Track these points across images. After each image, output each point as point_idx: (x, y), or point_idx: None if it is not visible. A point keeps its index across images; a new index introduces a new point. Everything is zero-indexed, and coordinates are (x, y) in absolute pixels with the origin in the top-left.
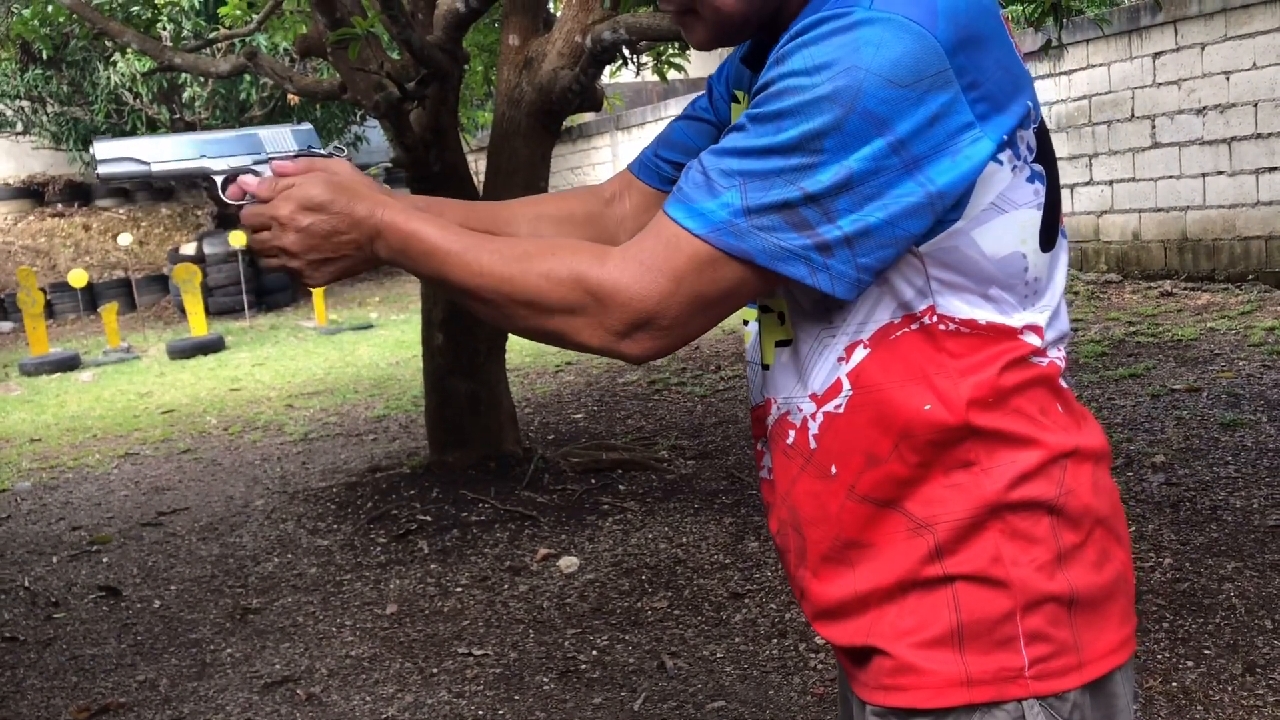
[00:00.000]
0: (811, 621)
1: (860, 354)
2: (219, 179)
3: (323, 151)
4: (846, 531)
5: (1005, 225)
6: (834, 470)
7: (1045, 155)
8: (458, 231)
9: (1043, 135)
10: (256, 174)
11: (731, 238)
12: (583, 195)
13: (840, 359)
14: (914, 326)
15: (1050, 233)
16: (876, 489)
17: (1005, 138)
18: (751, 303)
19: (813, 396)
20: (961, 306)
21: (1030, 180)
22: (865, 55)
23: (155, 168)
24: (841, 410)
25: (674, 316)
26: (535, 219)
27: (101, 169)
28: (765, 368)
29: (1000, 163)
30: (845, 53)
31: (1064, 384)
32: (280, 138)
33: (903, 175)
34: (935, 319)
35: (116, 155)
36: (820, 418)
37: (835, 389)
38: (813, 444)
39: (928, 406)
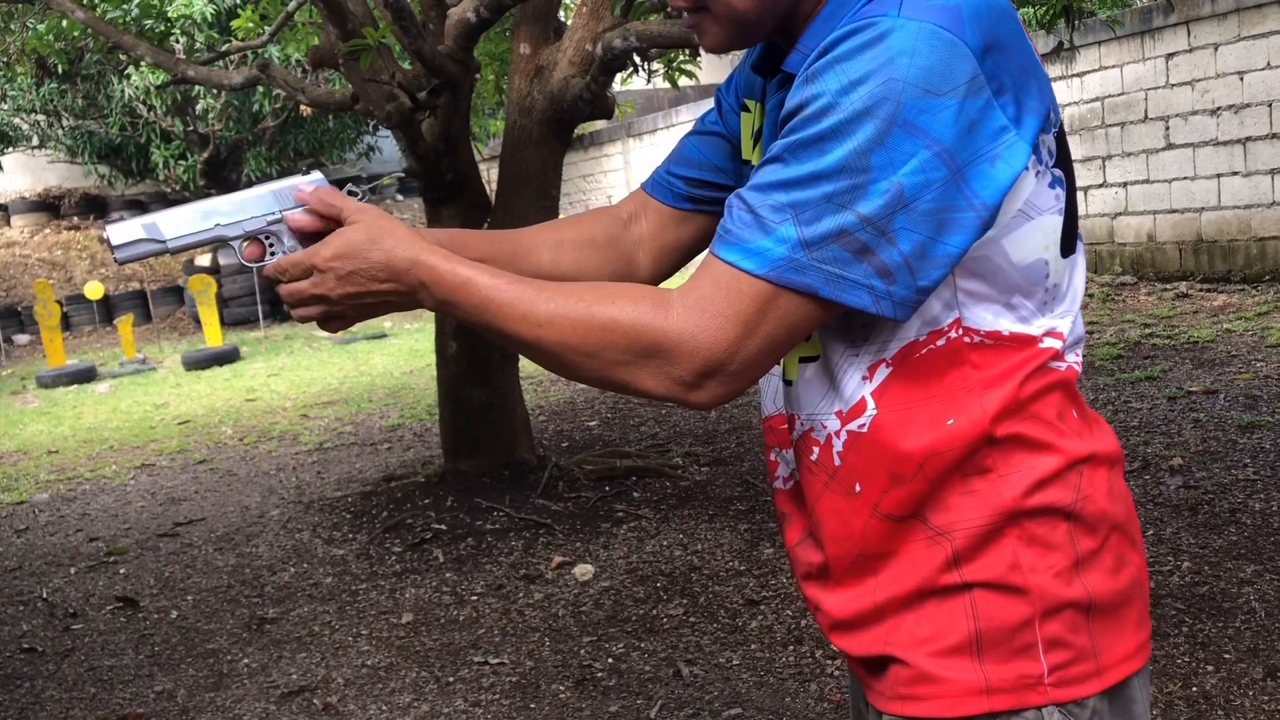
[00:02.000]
0: (827, 633)
1: (883, 373)
2: (235, 244)
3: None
4: (870, 547)
5: (1031, 232)
6: (858, 488)
7: (1064, 160)
8: (507, 279)
9: (1061, 139)
10: (272, 234)
11: (793, 273)
12: (600, 217)
13: (864, 378)
14: (940, 342)
15: (1070, 238)
16: (900, 507)
17: (1035, 141)
18: None
19: (838, 414)
20: (987, 317)
21: (1052, 185)
22: (900, 66)
23: (171, 244)
24: (865, 429)
25: (743, 360)
26: (557, 246)
27: (118, 254)
28: (788, 383)
29: (1027, 168)
30: (879, 65)
31: (1077, 389)
32: (289, 193)
33: (951, 187)
34: (961, 332)
35: (132, 239)
36: (844, 435)
37: (860, 408)
38: (837, 461)
39: (950, 421)
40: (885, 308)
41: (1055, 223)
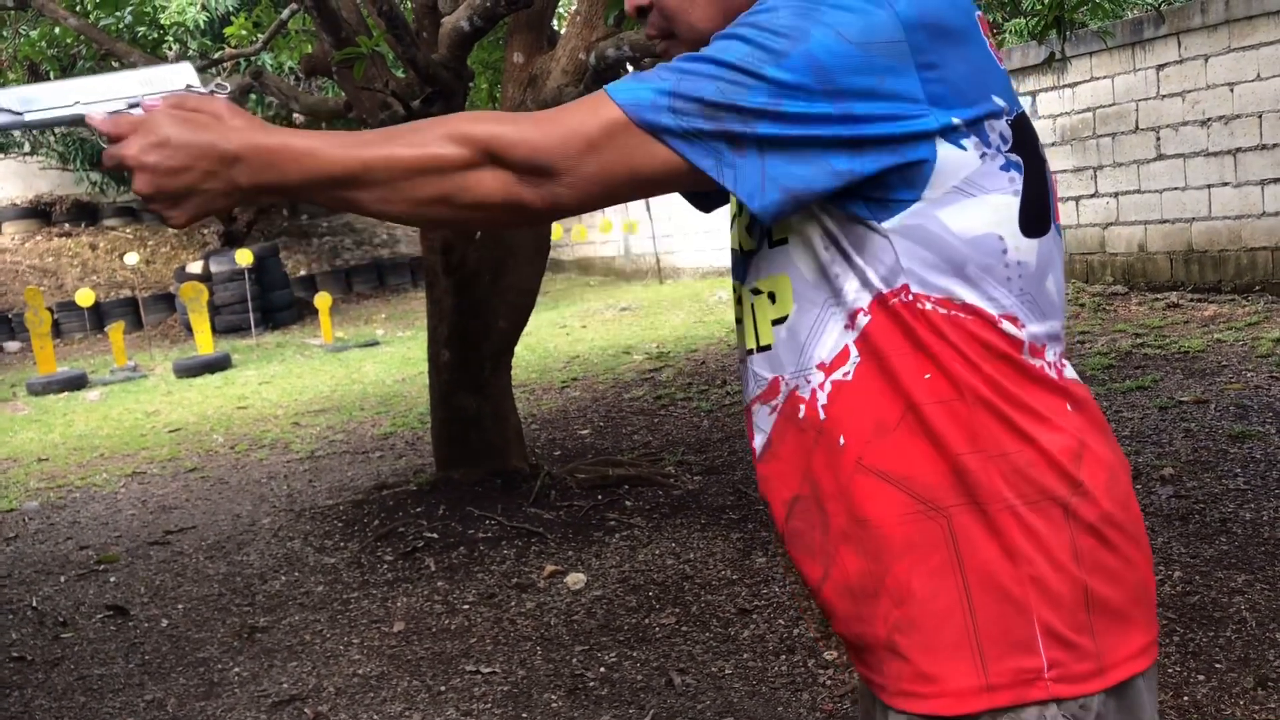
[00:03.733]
0: (820, 601)
1: (863, 320)
2: (94, 123)
3: (202, 90)
4: (856, 507)
5: (976, 208)
6: (842, 441)
7: (1023, 145)
8: (329, 134)
9: (1020, 127)
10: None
11: (649, 113)
12: None
13: (846, 326)
14: (895, 301)
15: (1037, 220)
16: (883, 460)
17: (957, 123)
18: (737, 296)
19: (821, 366)
20: (939, 283)
21: (1005, 169)
22: (823, 11)
23: (29, 117)
24: (850, 377)
25: (575, 171)
26: None
27: None
28: (766, 349)
29: (964, 148)
30: (806, 5)
31: (1073, 384)
32: (159, 78)
33: (824, 126)
34: (912, 296)
35: None
36: (829, 387)
37: (843, 356)
38: (822, 415)
39: (927, 375)
40: (728, 177)
41: (1008, 202)
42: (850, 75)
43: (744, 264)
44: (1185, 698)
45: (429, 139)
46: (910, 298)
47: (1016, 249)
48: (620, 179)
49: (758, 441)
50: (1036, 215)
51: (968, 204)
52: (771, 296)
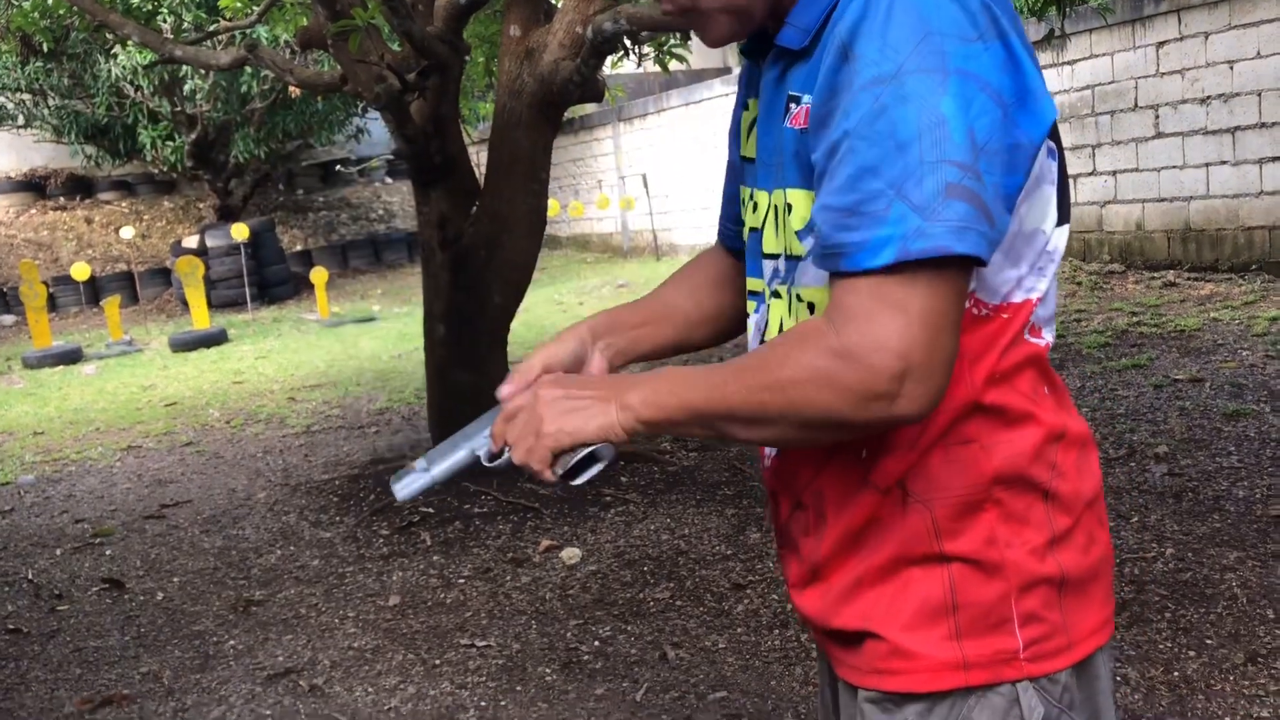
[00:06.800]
0: (797, 601)
1: None
2: (481, 456)
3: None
4: (857, 519)
5: (1038, 198)
6: (864, 453)
7: (1054, 132)
8: (685, 377)
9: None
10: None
11: (921, 242)
12: (713, 256)
13: None
14: None
15: (1064, 207)
16: (886, 477)
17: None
18: (755, 294)
19: None
20: (1001, 289)
21: (1051, 156)
22: (931, 20)
23: (440, 478)
24: None
25: (922, 351)
26: (692, 292)
27: (403, 497)
28: None
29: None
30: (912, 23)
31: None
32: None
33: (1007, 126)
34: (972, 303)
35: (415, 491)
36: None
37: None
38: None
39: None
40: (985, 251)
41: (1052, 192)
42: (992, 73)
43: (789, 268)
44: (1175, 673)
45: (784, 380)
46: (970, 304)
47: (1051, 238)
48: (947, 321)
49: (767, 449)
50: (1064, 202)
51: (1036, 194)
52: (811, 306)
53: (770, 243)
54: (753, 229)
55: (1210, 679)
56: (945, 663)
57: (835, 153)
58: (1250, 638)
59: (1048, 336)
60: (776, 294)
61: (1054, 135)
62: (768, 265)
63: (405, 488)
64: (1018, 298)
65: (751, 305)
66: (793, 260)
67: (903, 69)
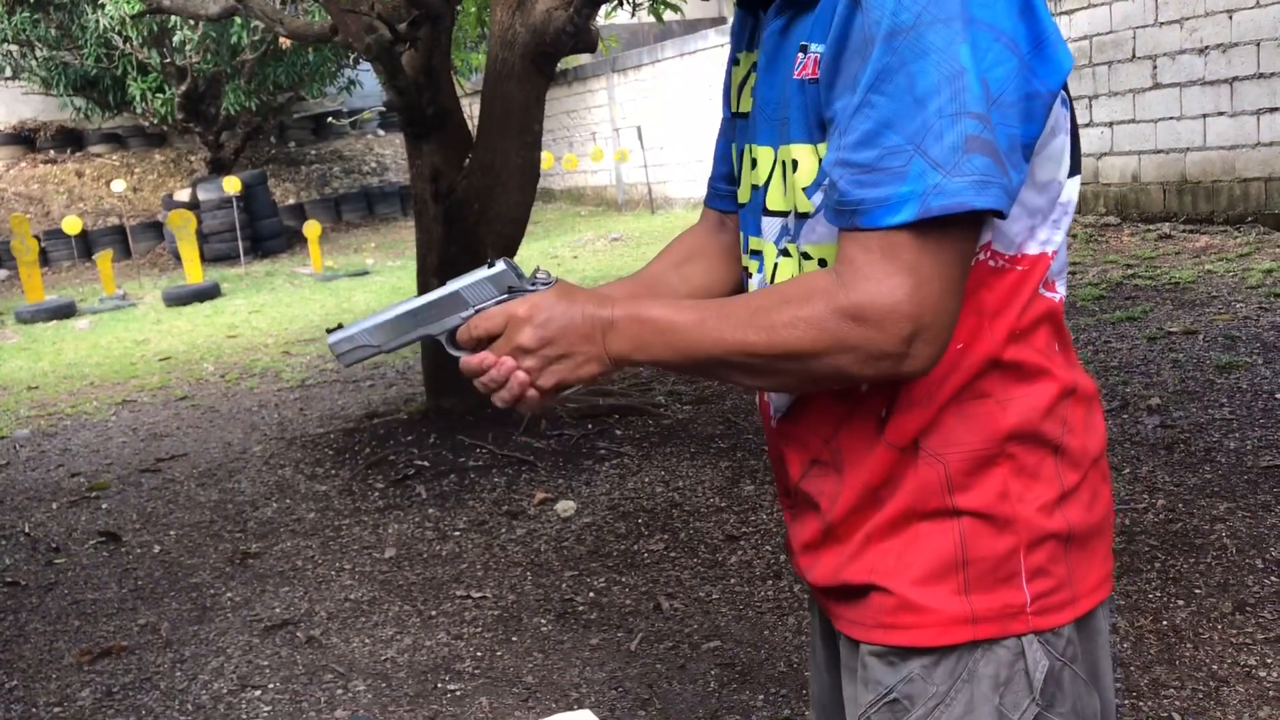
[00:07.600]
0: (805, 565)
1: None
2: (443, 340)
3: (530, 287)
4: (876, 475)
5: (1053, 150)
6: (884, 414)
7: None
8: (677, 305)
9: None
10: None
11: (941, 198)
12: (697, 232)
13: None
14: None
15: (1075, 158)
16: (903, 435)
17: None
18: (756, 253)
19: None
20: (1016, 241)
21: (1064, 105)
22: None
23: (385, 347)
24: None
25: (935, 307)
26: (678, 266)
27: (343, 360)
28: None
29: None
30: None
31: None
32: (481, 288)
33: (1024, 74)
34: (988, 254)
35: (351, 347)
36: None
37: None
38: (864, 386)
39: (959, 346)
40: (1005, 204)
41: (1066, 142)
42: (1008, 20)
43: (797, 226)
44: (1164, 622)
45: (785, 320)
46: (987, 255)
47: (1066, 189)
48: (962, 278)
49: (778, 400)
50: (1075, 152)
51: (1051, 145)
52: (822, 262)
53: (776, 200)
54: (754, 186)
55: (1199, 628)
56: (954, 617)
57: (851, 106)
58: (1239, 587)
59: (1061, 290)
60: (785, 252)
61: (1064, 84)
62: (772, 223)
63: (345, 350)
64: (1033, 249)
65: (754, 265)
66: (801, 217)
67: (920, 19)
